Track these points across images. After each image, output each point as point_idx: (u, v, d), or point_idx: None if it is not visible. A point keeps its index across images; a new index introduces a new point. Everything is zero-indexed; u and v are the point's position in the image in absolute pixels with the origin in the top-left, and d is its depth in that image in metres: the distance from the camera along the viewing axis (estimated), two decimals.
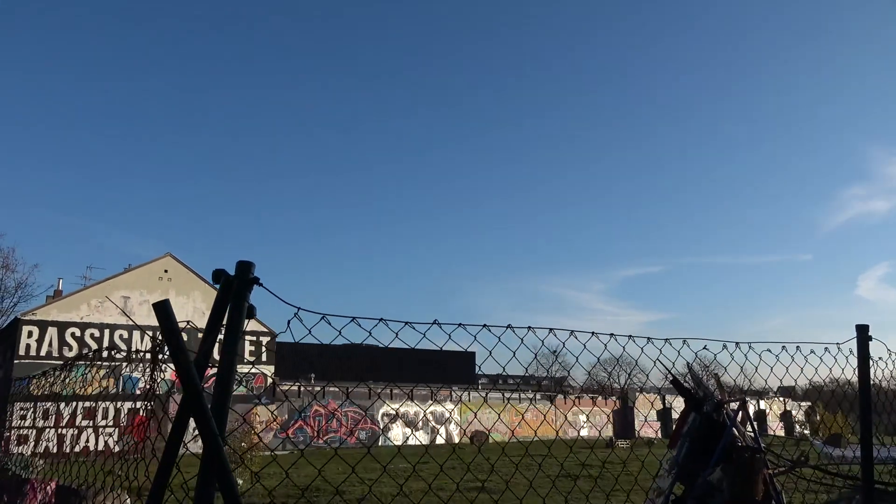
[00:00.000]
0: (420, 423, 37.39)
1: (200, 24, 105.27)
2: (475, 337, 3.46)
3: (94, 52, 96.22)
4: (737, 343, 4.41)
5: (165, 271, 34.48)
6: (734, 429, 7.61)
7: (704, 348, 4.99)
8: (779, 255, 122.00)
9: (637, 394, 47.83)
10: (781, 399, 46.33)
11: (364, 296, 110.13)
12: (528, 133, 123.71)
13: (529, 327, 3.65)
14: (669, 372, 6.57)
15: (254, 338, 35.17)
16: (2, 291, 49.17)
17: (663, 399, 47.61)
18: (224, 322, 2.08)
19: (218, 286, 2.09)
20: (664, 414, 46.72)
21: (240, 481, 13.92)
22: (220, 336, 2.09)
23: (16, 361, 29.72)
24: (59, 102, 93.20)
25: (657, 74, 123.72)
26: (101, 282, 33.42)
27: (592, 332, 4.09)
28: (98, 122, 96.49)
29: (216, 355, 2.10)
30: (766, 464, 7.20)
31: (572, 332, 4.04)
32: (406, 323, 2.86)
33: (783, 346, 4.35)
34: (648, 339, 4.65)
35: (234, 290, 2.05)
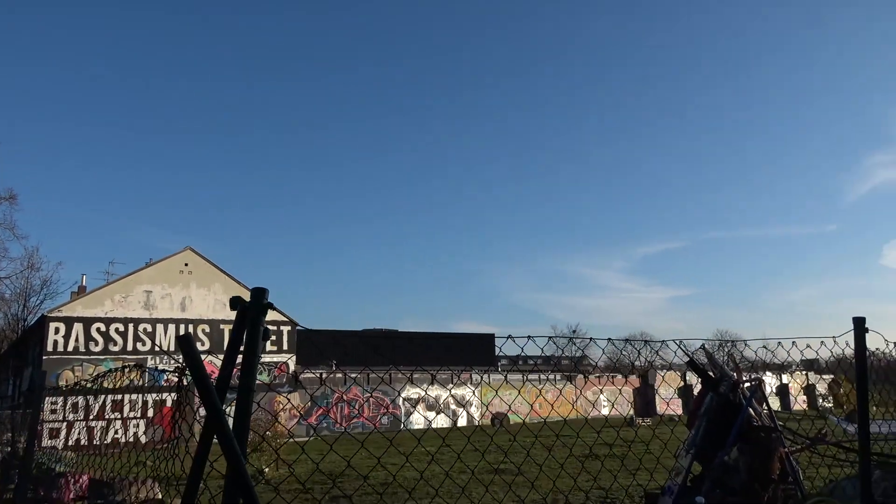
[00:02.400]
0: (441, 407, 37.68)
1: (213, 25, 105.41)
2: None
3: (110, 49, 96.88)
4: (733, 342, 4.45)
5: (186, 265, 34.87)
6: (750, 409, 7.64)
7: (728, 343, 5.04)
8: (803, 226, 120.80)
9: (657, 372, 47.77)
10: (804, 372, 46.03)
11: (388, 278, 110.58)
12: (544, 112, 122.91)
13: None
14: (686, 353, 6.62)
15: (274, 327, 35.57)
16: (28, 290, 50.12)
17: (684, 377, 47.48)
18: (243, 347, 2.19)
19: (235, 308, 2.21)
20: (685, 392, 46.67)
21: (265, 469, 14.18)
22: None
23: (44, 357, 30.33)
24: (73, 98, 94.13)
25: (680, 48, 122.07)
26: (124, 277, 33.89)
27: (626, 340, 4.17)
28: (112, 116, 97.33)
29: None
30: (782, 442, 7.24)
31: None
32: (411, 336, 2.95)
33: (779, 343, 4.38)
34: (663, 342, 4.73)
35: (250, 317, 2.14)
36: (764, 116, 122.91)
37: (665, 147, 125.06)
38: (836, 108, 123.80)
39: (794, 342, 4.34)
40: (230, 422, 2.00)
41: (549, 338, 3.80)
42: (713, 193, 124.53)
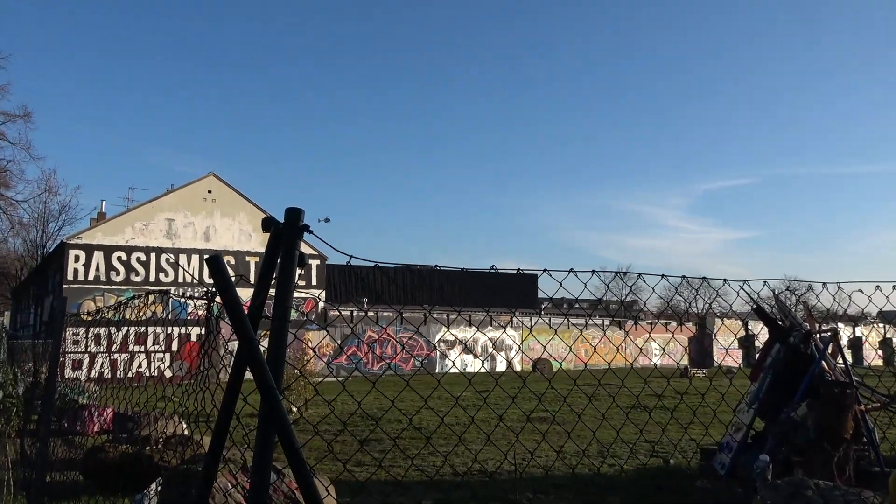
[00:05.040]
0: (479, 350, 38.21)
1: None
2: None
3: None
4: (824, 283, 4.29)
5: (209, 192, 35.32)
6: (823, 361, 7.53)
7: (790, 282, 4.91)
8: (887, 163, 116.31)
9: (717, 320, 47.40)
10: (881, 326, 45.16)
11: (420, 214, 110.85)
12: (602, 32, 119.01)
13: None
14: (753, 299, 6.49)
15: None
16: (46, 215, 51.60)
17: (746, 326, 47.06)
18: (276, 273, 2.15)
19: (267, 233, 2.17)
20: (747, 341, 46.36)
21: (294, 409, 14.63)
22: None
23: (64, 286, 31.41)
24: (94, 13, 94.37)
25: None
26: (144, 203, 34.55)
27: (683, 277, 4.10)
28: (134, 34, 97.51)
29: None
30: (857, 399, 7.14)
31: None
32: (464, 269, 2.89)
33: (877, 286, 4.20)
34: (725, 281, 4.52)
35: (285, 239, 2.12)
36: (843, 47, 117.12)
37: (734, 75, 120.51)
38: None
39: (893, 286, 4.18)
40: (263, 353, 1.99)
41: (594, 271, 3.74)
42: (785, 126, 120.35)
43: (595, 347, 32.86)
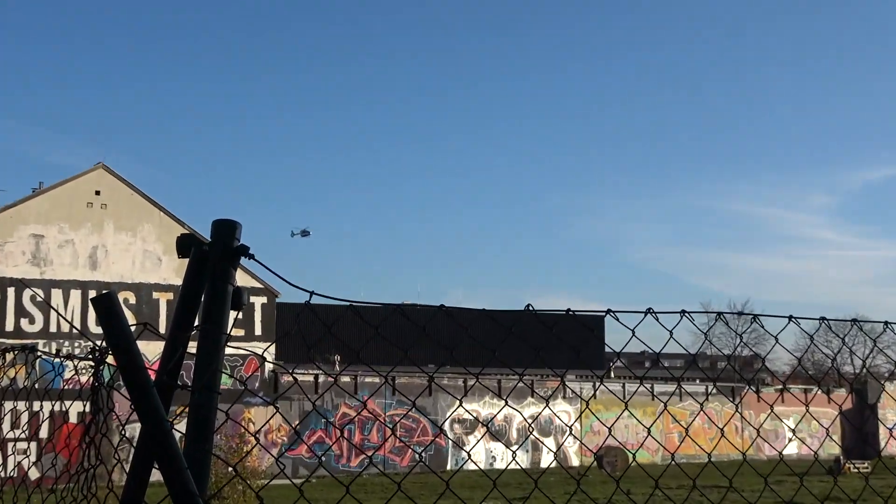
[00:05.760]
0: (513, 435, 38.09)
1: None
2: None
3: None
4: None
5: (97, 193, 35.28)
6: None
7: None
8: None
9: (883, 384, 47.22)
10: None
11: (419, 226, 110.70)
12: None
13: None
14: None
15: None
16: None
17: None
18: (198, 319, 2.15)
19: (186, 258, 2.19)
20: None
21: None
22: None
23: None
24: None
25: None
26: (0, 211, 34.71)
27: (822, 319, 4.11)
28: None
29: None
30: None
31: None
32: (484, 311, 3.03)
33: None
34: (886, 324, 4.42)
35: (214, 268, 2.08)
36: None
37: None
38: None
39: None
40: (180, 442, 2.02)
41: (683, 312, 3.66)
42: None
43: (688, 429, 32.77)
